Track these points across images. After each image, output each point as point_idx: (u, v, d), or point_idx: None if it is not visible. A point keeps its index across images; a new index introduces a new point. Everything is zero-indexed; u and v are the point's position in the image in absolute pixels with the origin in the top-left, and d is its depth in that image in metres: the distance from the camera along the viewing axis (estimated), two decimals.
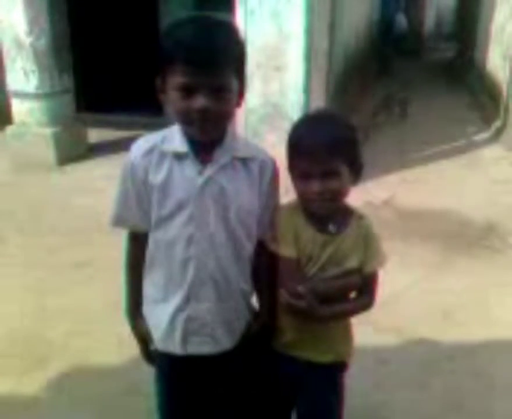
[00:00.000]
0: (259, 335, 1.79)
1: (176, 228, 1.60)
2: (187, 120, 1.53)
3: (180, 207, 1.59)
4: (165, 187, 1.58)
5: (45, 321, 3.27)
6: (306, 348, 1.78)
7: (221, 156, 1.60)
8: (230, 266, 1.66)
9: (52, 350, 3.01)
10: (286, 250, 1.69)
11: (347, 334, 1.87)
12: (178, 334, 1.68)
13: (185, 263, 1.62)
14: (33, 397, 2.68)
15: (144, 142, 1.63)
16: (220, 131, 1.60)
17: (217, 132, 1.58)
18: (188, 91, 1.47)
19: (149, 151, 1.60)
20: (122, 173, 1.65)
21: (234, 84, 1.53)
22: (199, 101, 1.47)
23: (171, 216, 1.60)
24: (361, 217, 1.77)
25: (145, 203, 1.62)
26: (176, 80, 1.47)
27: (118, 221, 1.69)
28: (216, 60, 1.45)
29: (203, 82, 1.46)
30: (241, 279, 1.71)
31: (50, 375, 2.82)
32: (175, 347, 1.70)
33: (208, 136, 1.57)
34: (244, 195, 1.64)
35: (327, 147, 1.60)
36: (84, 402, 2.65)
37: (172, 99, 1.52)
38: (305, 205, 1.71)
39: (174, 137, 1.61)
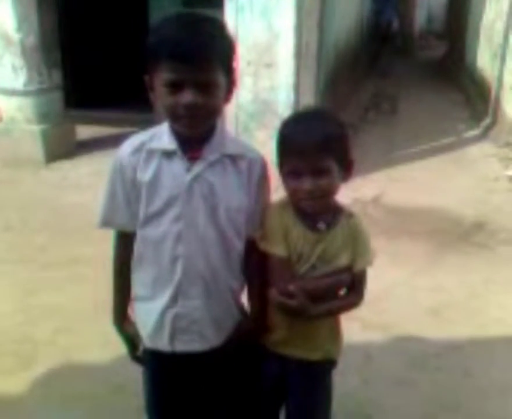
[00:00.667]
0: (248, 333, 1.78)
1: (164, 226, 1.60)
2: (174, 116, 1.52)
3: (168, 204, 1.58)
4: (154, 184, 1.58)
5: (33, 319, 3.25)
6: (296, 346, 1.77)
7: (209, 154, 1.59)
8: (219, 264, 1.65)
9: (39, 348, 3.00)
10: (276, 248, 1.69)
11: (336, 332, 1.87)
12: (166, 332, 1.67)
13: (173, 261, 1.61)
14: (21, 395, 2.67)
15: (132, 141, 1.63)
16: (208, 126, 1.59)
17: (205, 128, 1.58)
18: (174, 87, 1.47)
19: (138, 149, 1.60)
20: (110, 172, 1.64)
21: (222, 79, 1.52)
22: (186, 97, 1.46)
23: (159, 213, 1.59)
24: (350, 215, 1.77)
25: (133, 203, 1.61)
26: (162, 76, 1.47)
27: (106, 222, 1.68)
28: (201, 55, 1.44)
29: (189, 77, 1.45)
30: (230, 277, 1.70)
31: (38, 373, 2.80)
32: (163, 344, 1.70)
33: (196, 131, 1.56)
34: (233, 193, 1.63)
35: (317, 144, 1.60)
36: (72, 401, 2.64)
37: (160, 95, 1.51)
38: (296, 203, 1.70)
39: (162, 135, 1.60)
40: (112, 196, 1.64)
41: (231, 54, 1.57)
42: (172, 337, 1.68)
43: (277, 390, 1.85)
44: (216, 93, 1.51)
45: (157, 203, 1.59)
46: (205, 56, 1.46)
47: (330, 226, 1.72)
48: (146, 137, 1.62)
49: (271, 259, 1.71)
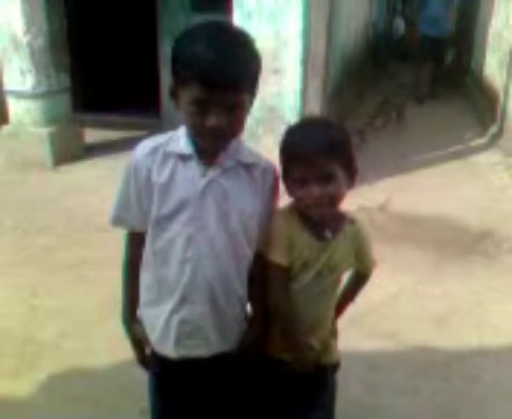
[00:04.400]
0: (253, 341, 1.79)
1: (175, 228, 1.60)
2: (198, 134, 1.54)
3: (181, 207, 1.59)
4: (168, 186, 1.58)
5: (37, 321, 3.26)
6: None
7: (225, 160, 1.60)
8: (228, 270, 1.65)
9: (44, 350, 3.00)
10: (278, 257, 1.68)
11: (334, 336, 1.88)
12: (172, 336, 1.68)
13: (182, 264, 1.61)
14: (25, 398, 2.67)
15: (149, 141, 1.64)
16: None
17: (226, 146, 1.60)
18: (201, 105, 1.47)
19: (154, 150, 1.60)
20: (125, 171, 1.64)
21: (247, 99, 1.54)
22: (212, 120, 1.47)
23: (171, 216, 1.60)
24: (352, 221, 1.78)
25: (144, 204, 1.62)
26: (190, 94, 1.47)
27: (118, 220, 1.69)
28: (234, 81, 1.45)
29: (218, 100, 1.46)
30: (238, 284, 1.70)
31: (42, 375, 2.81)
32: (169, 350, 1.70)
33: (217, 150, 1.58)
34: (246, 200, 1.64)
35: (324, 150, 1.60)
36: (76, 404, 2.64)
37: (185, 110, 1.52)
38: (303, 211, 1.70)
39: (179, 139, 1.61)
40: (124, 195, 1.65)
41: (259, 73, 1.58)
42: (177, 342, 1.68)
43: (282, 395, 1.85)
44: (240, 115, 1.53)
45: (170, 206, 1.59)
46: (237, 83, 1.46)
47: (334, 233, 1.72)
48: (163, 139, 1.63)
49: (270, 266, 1.70)
